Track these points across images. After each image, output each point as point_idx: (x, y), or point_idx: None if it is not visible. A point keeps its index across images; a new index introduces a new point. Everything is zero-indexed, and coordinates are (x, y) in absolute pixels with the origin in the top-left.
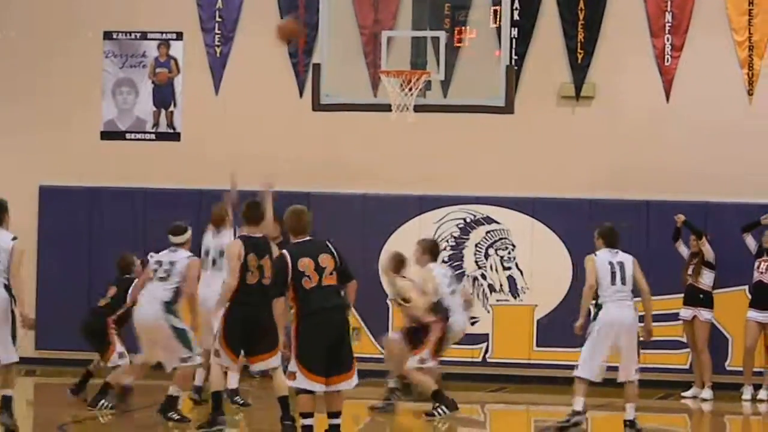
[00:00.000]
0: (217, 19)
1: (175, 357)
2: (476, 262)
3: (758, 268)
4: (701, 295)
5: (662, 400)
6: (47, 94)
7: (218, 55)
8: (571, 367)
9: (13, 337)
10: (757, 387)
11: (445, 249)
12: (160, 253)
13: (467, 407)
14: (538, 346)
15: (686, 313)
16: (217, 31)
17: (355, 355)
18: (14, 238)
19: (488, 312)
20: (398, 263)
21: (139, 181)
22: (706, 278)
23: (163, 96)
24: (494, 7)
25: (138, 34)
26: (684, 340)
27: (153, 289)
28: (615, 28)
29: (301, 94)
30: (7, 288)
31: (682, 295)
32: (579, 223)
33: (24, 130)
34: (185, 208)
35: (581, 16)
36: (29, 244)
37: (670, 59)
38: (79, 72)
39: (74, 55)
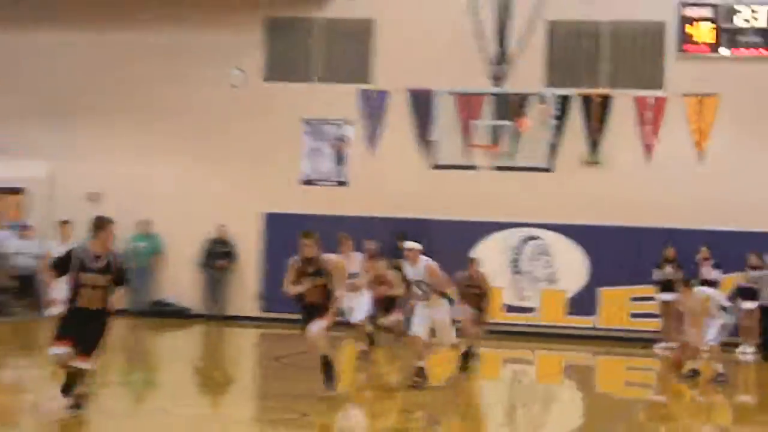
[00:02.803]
0: (372, 110)
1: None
2: (525, 263)
3: None
4: None
5: None
6: (269, 155)
7: (374, 132)
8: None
9: None
10: None
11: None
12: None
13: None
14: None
15: None
16: (371, 118)
17: None
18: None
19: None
20: None
21: (324, 210)
22: None
23: (339, 159)
24: (540, 106)
25: (324, 120)
26: None
27: None
28: (616, 121)
29: (425, 159)
30: None
31: None
32: (589, 239)
33: (255, 179)
34: (351, 231)
35: (595, 114)
36: (254, 255)
37: (649, 138)
38: (288, 143)
39: (284, 132)
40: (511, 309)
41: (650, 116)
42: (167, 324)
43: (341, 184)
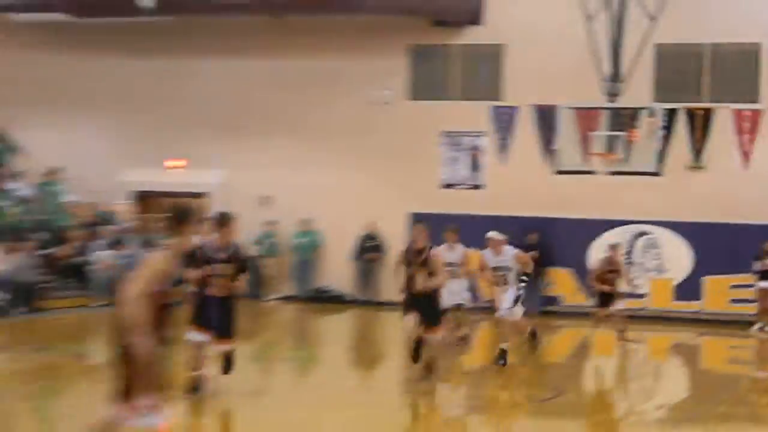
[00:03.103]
0: (502, 124)
1: None
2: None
3: None
4: None
5: None
6: (413, 163)
7: (504, 142)
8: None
9: None
10: None
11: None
12: None
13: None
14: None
15: None
16: (501, 130)
17: None
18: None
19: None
20: None
21: (460, 210)
22: None
23: (474, 165)
24: (649, 119)
25: (461, 132)
26: None
27: None
28: (717, 131)
29: (548, 165)
30: None
31: None
32: (694, 234)
33: (401, 183)
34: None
35: (698, 125)
36: (400, 248)
37: (747, 146)
38: (430, 153)
39: (427, 143)
40: (625, 295)
41: (747, 126)
42: (326, 308)
43: (476, 187)
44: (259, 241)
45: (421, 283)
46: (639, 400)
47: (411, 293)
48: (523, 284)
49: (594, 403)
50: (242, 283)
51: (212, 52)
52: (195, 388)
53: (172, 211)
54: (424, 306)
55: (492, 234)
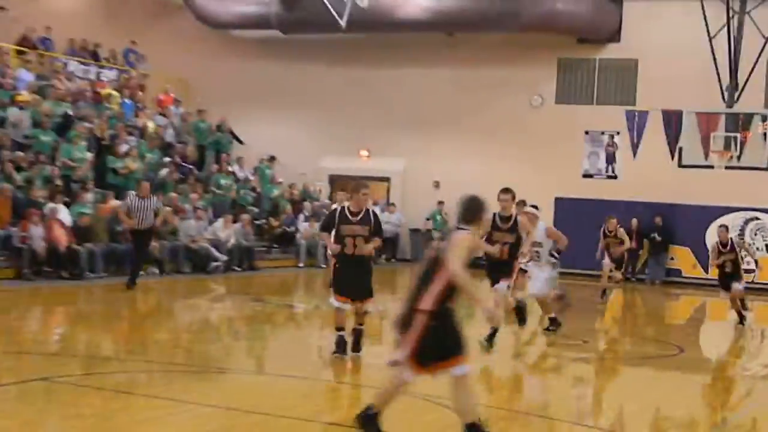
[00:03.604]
0: (635, 125)
1: None
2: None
3: None
4: None
5: None
6: (559, 156)
7: (636, 140)
8: None
9: None
10: None
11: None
12: None
13: None
14: None
15: None
16: (634, 130)
17: None
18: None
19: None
20: None
21: (598, 196)
22: None
23: (610, 159)
24: (761, 123)
25: (600, 131)
26: None
27: None
28: None
29: (672, 159)
30: None
31: None
32: None
33: (549, 173)
34: (618, 213)
35: None
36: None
37: None
38: (573, 148)
39: (571, 139)
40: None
41: None
42: (478, 274)
43: (611, 177)
44: (431, 216)
45: (503, 252)
46: (750, 359)
47: (493, 261)
48: (554, 260)
49: (710, 361)
50: (375, 245)
51: (394, 62)
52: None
53: (470, 203)
54: (503, 268)
55: (528, 208)
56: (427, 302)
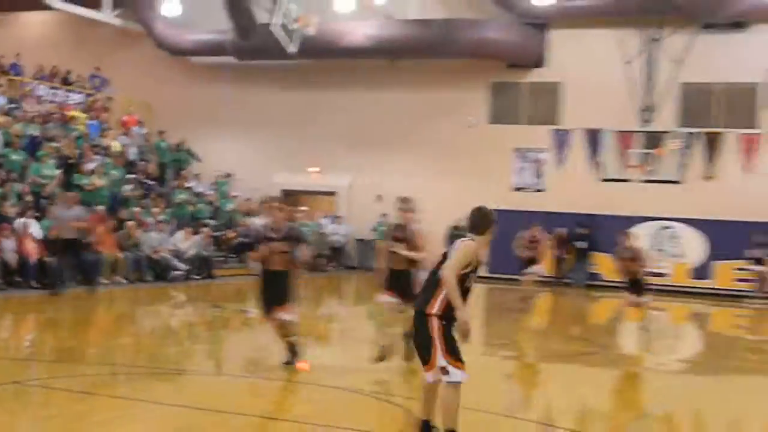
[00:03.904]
0: (560, 142)
1: None
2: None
3: None
4: None
5: None
6: (492, 171)
7: (561, 157)
8: None
9: None
10: None
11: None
12: None
13: None
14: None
15: None
16: (559, 147)
17: None
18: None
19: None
20: None
21: (527, 208)
22: None
23: (537, 174)
24: (673, 140)
25: (528, 149)
26: None
27: None
28: (725, 150)
29: (594, 173)
30: None
31: None
32: (707, 228)
33: (482, 186)
34: (545, 223)
35: (711, 145)
36: None
37: (748, 161)
38: (504, 164)
39: (502, 156)
40: (651, 274)
41: (748, 147)
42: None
43: (539, 190)
44: (375, 228)
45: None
46: (663, 355)
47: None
48: None
49: (628, 357)
50: (297, 257)
51: (341, 86)
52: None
53: (479, 214)
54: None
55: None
56: (435, 307)
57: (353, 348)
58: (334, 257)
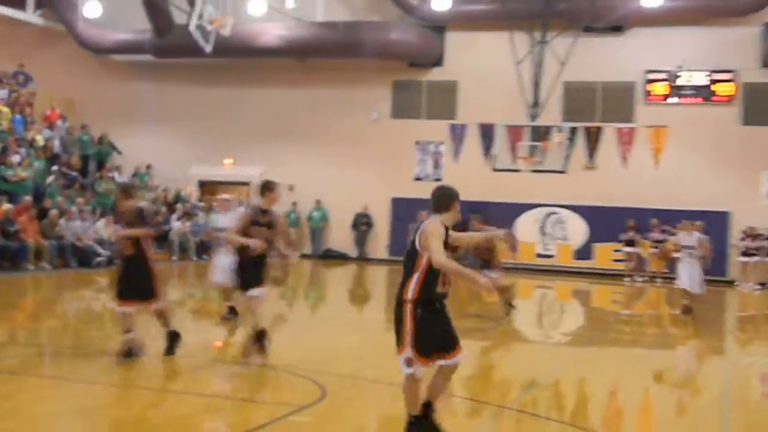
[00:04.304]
0: (456, 136)
1: None
2: (548, 227)
3: None
4: None
5: None
6: (395, 162)
7: (458, 149)
8: None
9: None
10: None
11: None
12: None
13: None
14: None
15: None
16: (455, 140)
17: None
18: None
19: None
20: None
21: (427, 196)
22: None
23: (436, 165)
24: (558, 134)
25: (428, 142)
26: None
27: None
28: (605, 142)
29: (488, 165)
30: None
31: None
32: (588, 213)
33: (386, 177)
34: None
35: (592, 138)
36: (385, 222)
37: (625, 153)
38: (406, 156)
39: (404, 149)
40: (539, 256)
41: (625, 140)
42: (333, 263)
43: (437, 180)
44: (286, 215)
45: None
46: (550, 329)
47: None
48: None
49: (521, 332)
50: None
51: (254, 83)
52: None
53: (440, 193)
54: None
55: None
56: (410, 292)
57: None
58: None
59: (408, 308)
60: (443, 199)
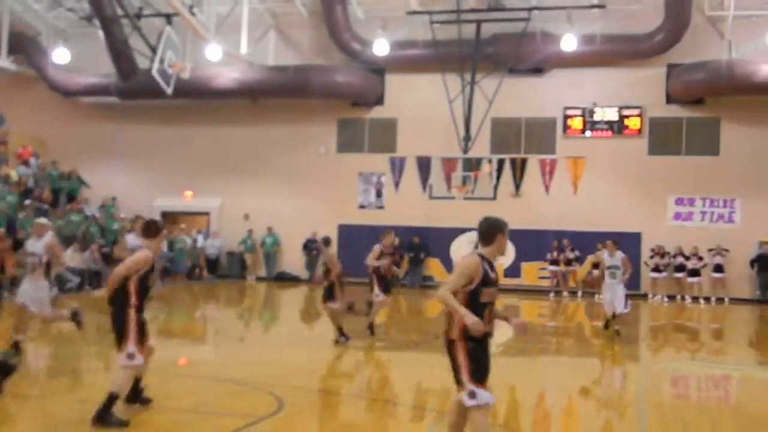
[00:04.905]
0: (397, 168)
1: None
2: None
3: None
4: None
5: None
6: (341, 192)
7: (398, 179)
8: None
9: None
10: None
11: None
12: None
13: None
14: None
15: None
16: (396, 171)
17: None
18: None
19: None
20: None
21: (371, 223)
22: None
23: (378, 194)
24: (488, 164)
25: (370, 173)
26: None
27: None
28: (530, 172)
29: (424, 192)
30: None
31: None
32: (517, 237)
33: (333, 205)
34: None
35: (518, 168)
36: (334, 246)
37: (548, 181)
38: (351, 186)
39: (349, 180)
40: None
41: (548, 170)
42: (286, 285)
43: (380, 208)
44: (243, 241)
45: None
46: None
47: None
48: None
49: None
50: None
51: (212, 121)
52: None
53: (485, 224)
54: None
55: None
56: (454, 330)
57: (227, 345)
58: (209, 267)
59: (459, 346)
60: (488, 230)
